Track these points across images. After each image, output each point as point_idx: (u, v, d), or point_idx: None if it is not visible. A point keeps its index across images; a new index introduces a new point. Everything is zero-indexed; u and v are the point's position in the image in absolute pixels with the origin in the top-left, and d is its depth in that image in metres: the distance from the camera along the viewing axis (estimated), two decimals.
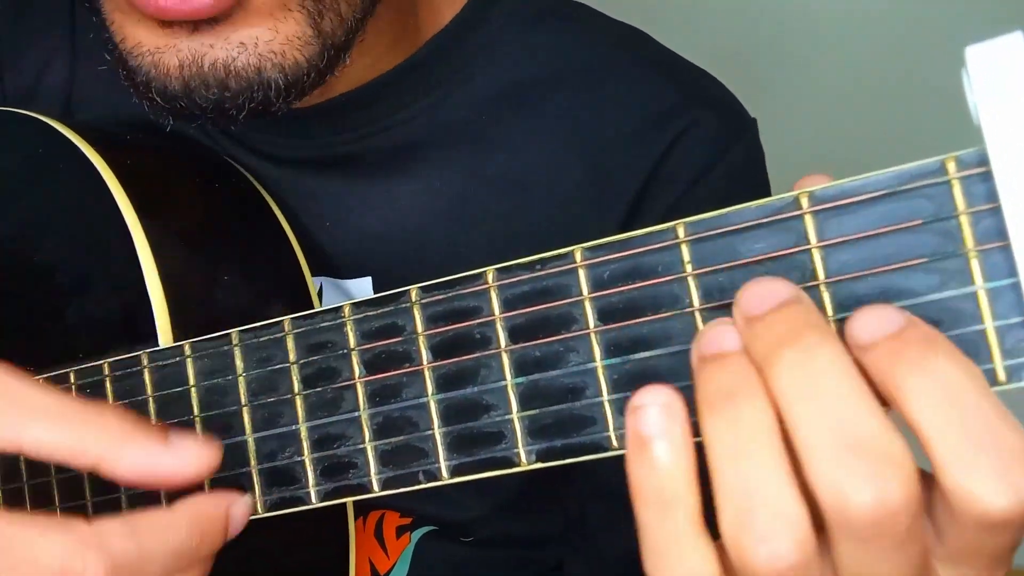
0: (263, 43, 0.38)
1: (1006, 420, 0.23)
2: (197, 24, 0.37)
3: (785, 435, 0.24)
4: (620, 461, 0.28)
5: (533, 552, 0.56)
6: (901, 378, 0.23)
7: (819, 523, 0.24)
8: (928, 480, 0.25)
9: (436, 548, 0.54)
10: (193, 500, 0.32)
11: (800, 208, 0.26)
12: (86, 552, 0.29)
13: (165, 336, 0.39)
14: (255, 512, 0.35)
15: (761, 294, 0.25)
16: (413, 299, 0.31)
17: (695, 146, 0.47)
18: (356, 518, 0.47)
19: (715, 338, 0.25)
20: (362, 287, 0.49)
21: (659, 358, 0.28)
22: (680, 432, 0.25)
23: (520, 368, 0.30)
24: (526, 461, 0.30)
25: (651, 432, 0.25)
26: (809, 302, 0.25)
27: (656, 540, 0.25)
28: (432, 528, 0.55)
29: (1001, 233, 0.24)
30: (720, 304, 0.27)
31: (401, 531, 0.54)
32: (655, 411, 0.25)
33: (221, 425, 0.35)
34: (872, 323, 0.24)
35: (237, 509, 0.33)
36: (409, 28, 0.48)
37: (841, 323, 0.25)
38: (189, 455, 0.31)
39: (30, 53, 0.53)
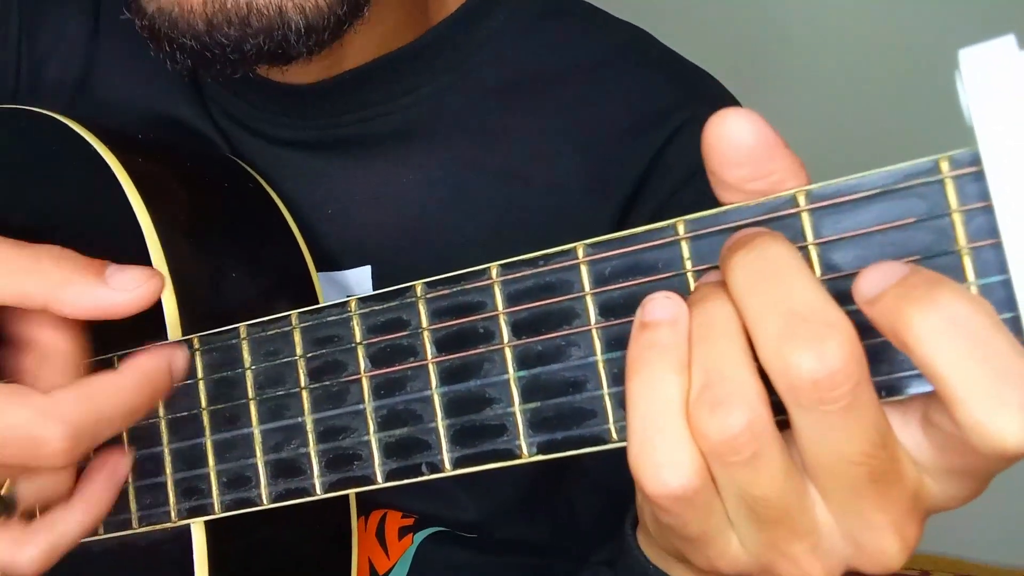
0: None
1: (1022, 353, 0.23)
2: None
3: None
4: (612, 458, 0.29)
5: (535, 559, 0.56)
6: (910, 319, 0.23)
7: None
8: (924, 399, 0.25)
9: (437, 551, 0.54)
10: (137, 361, 0.35)
11: (797, 206, 0.27)
12: (46, 421, 0.31)
13: (174, 330, 0.40)
14: (261, 503, 0.35)
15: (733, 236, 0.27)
16: (418, 294, 0.32)
17: (692, 141, 0.48)
18: (358, 517, 0.48)
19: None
20: (361, 275, 0.50)
21: None
22: (684, 323, 0.26)
23: (522, 362, 0.30)
24: (527, 453, 0.30)
25: (657, 316, 0.26)
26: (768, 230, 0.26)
27: (642, 414, 0.26)
28: (435, 530, 0.55)
29: (992, 231, 0.24)
30: None
31: (404, 532, 0.54)
32: (665, 302, 0.27)
33: (228, 417, 0.36)
34: (875, 277, 0.24)
35: (177, 361, 0.36)
36: (415, 11, 0.48)
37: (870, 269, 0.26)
38: (127, 285, 0.33)
39: (50, 24, 0.54)
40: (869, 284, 0.24)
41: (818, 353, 0.23)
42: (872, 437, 0.25)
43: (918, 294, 0.23)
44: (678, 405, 0.26)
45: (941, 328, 0.23)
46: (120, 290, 0.33)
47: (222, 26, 0.39)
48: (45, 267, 0.33)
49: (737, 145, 0.26)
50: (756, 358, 0.25)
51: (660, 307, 0.26)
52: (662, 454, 0.26)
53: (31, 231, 0.46)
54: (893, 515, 0.26)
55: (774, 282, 0.25)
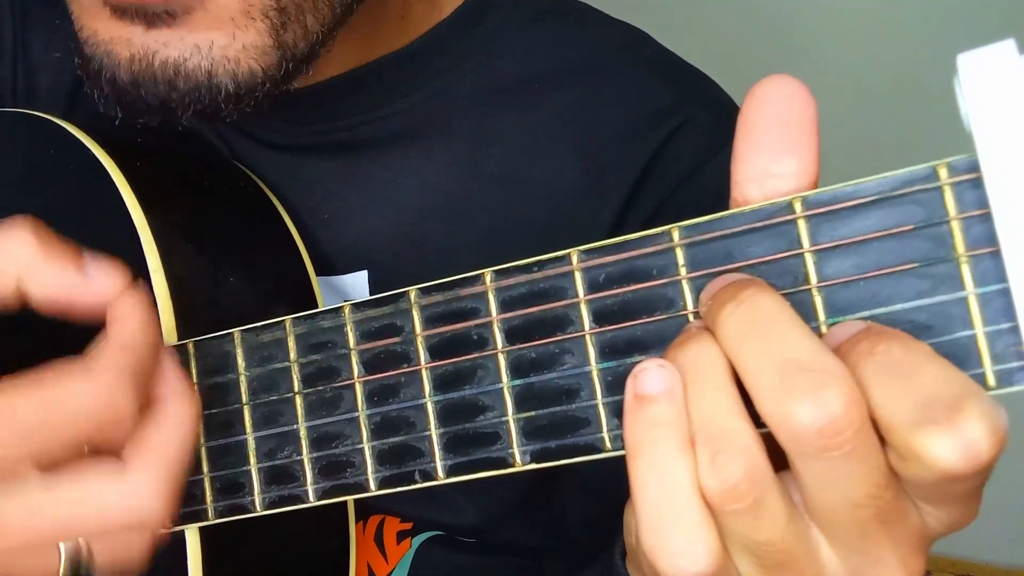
0: (218, 48, 0.38)
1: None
2: (151, 20, 0.37)
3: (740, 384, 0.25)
4: (603, 460, 0.28)
5: (531, 561, 0.56)
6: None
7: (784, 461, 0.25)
8: None
9: (436, 555, 0.54)
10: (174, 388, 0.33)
11: (793, 213, 0.26)
12: (149, 504, 0.30)
13: (170, 336, 0.40)
14: (254, 510, 0.35)
15: (713, 283, 0.27)
16: (412, 300, 0.32)
17: (689, 142, 0.47)
18: (356, 522, 0.47)
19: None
20: (358, 281, 0.49)
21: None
22: (679, 393, 0.26)
23: (516, 370, 0.30)
24: (521, 462, 0.30)
25: (652, 390, 0.26)
26: (753, 277, 0.27)
27: (653, 501, 0.26)
28: (434, 534, 0.55)
29: (991, 239, 0.24)
30: None
31: (402, 536, 0.54)
32: (658, 372, 0.26)
33: (222, 423, 0.36)
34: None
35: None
36: (403, 18, 0.48)
37: (832, 328, 0.26)
38: (103, 279, 0.32)
39: (41, 34, 0.54)
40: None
41: (818, 402, 0.23)
42: (876, 479, 0.24)
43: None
44: (690, 487, 0.25)
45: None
46: (95, 283, 0.32)
47: (147, 84, 0.38)
48: (25, 237, 0.31)
49: (787, 104, 0.26)
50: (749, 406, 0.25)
51: (654, 379, 0.26)
52: (679, 542, 0.25)
53: None
54: (899, 552, 0.26)
55: (767, 334, 0.25)
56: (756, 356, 0.24)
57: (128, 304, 0.32)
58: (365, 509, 0.54)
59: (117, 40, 0.38)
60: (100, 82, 0.39)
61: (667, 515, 0.25)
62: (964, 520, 0.26)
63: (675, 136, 0.47)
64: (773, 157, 0.26)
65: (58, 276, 0.31)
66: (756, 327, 0.25)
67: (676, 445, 0.25)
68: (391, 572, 0.54)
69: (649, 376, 0.26)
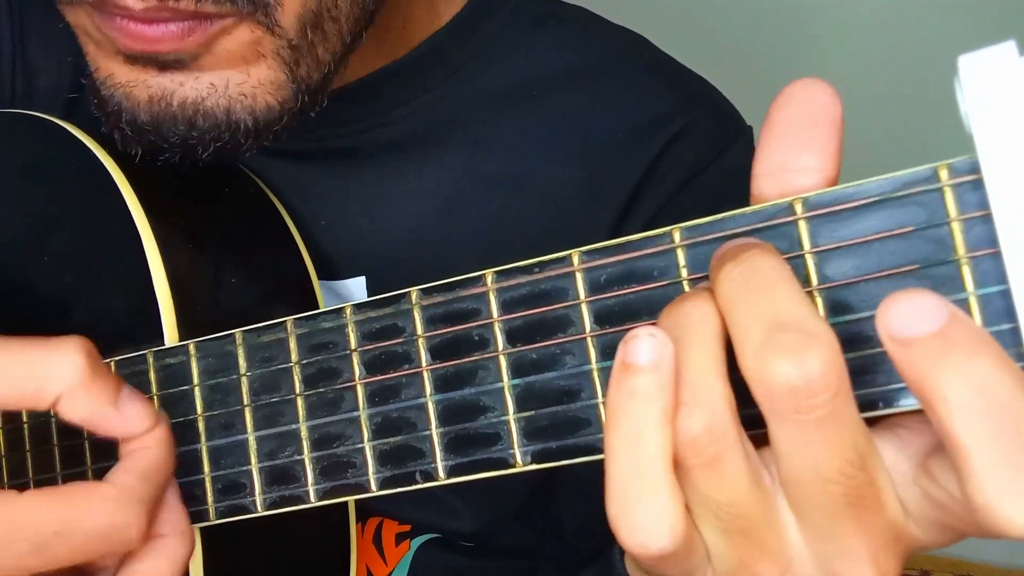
0: (234, 85, 0.38)
1: None
2: (163, 66, 0.38)
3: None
4: (600, 462, 0.28)
5: (529, 563, 0.56)
6: (944, 382, 0.22)
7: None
8: (924, 448, 0.25)
9: (435, 556, 0.54)
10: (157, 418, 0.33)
11: (794, 214, 0.26)
12: (124, 512, 0.31)
13: (171, 337, 0.40)
14: (255, 511, 0.35)
15: (723, 245, 0.27)
16: (413, 301, 0.32)
17: (689, 147, 0.47)
18: (355, 524, 0.48)
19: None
20: (357, 286, 0.50)
21: None
22: (667, 368, 0.25)
23: (517, 370, 0.30)
24: (521, 462, 0.30)
25: (640, 360, 0.25)
26: (759, 242, 0.26)
27: (622, 471, 0.25)
28: (432, 536, 0.55)
29: (992, 240, 0.24)
30: None
31: (401, 538, 0.54)
32: (648, 342, 0.25)
33: (223, 423, 0.36)
34: (909, 315, 0.23)
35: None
36: (404, 27, 0.48)
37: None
38: (132, 419, 0.32)
39: (40, 38, 0.53)
40: (901, 322, 0.23)
41: (797, 360, 0.23)
42: (849, 455, 0.24)
43: (957, 357, 0.22)
44: (661, 463, 0.25)
45: (975, 401, 0.22)
46: (124, 419, 0.32)
47: (168, 124, 0.38)
48: (74, 361, 0.31)
49: (811, 103, 0.26)
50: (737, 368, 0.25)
51: (643, 348, 0.25)
52: (642, 517, 0.25)
53: (29, 235, 0.46)
54: (870, 544, 0.25)
55: (760, 293, 0.24)
56: (746, 312, 0.24)
57: (155, 438, 0.33)
58: (364, 511, 0.54)
59: (135, 82, 0.38)
60: (120, 122, 0.39)
61: (633, 488, 0.25)
62: (951, 543, 0.26)
63: (675, 142, 0.47)
64: (791, 152, 0.26)
65: (94, 405, 0.32)
66: (750, 285, 0.25)
67: (654, 418, 0.25)
68: (390, 574, 0.54)
69: (639, 345, 0.25)
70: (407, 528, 0.54)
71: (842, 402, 0.24)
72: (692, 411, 0.25)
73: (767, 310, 0.24)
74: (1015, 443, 0.22)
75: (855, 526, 0.25)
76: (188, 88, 0.38)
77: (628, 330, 0.28)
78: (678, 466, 0.25)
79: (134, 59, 0.38)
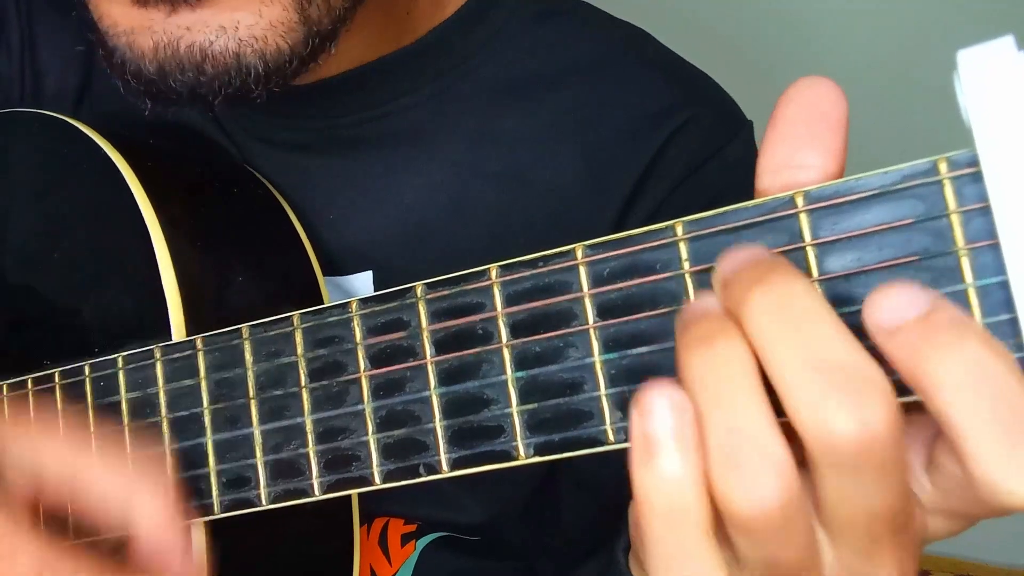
0: (244, 27, 0.37)
1: None
2: (175, 5, 0.37)
3: (765, 378, 0.24)
4: (601, 456, 0.29)
5: (535, 563, 0.56)
6: (933, 365, 0.22)
7: (800, 459, 0.24)
8: (929, 441, 0.25)
9: (440, 557, 0.54)
10: None
11: (795, 207, 0.27)
12: None
13: (179, 333, 0.40)
14: (260, 504, 0.35)
15: (733, 256, 0.25)
16: (418, 295, 0.32)
17: (690, 141, 0.48)
18: (360, 525, 0.48)
19: (696, 303, 0.26)
20: (363, 281, 0.50)
21: (656, 354, 0.28)
22: (691, 436, 0.24)
23: (520, 363, 0.30)
24: (524, 455, 0.30)
25: (661, 435, 0.24)
26: (779, 257, 0.25)
27: (664, 551, 0.25)
28: (438, 536, 0.55)
29: (990, 232, 0.24)
30: None
31: (406, 539, 0.54)
32: (665, 411, 0.24)
33: (229, 417, 0.36)
34: (895, 305, 0.23)
35: None
36: (408, 14, 0.48)
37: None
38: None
39: (47, 37, 0.54)
40: (887, 311, 0.23)
41: (860, 415, 0.22)
42: (898, 491, 0.24)
43: (945, 338, 0.22)
44: (700, 533, 0.24)
45: (965, 380, 0.22)
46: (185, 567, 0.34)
47: (175, 72, 0.37)
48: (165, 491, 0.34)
49: (816, 100, 0.26)
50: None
51: (663, 420, 0.24)
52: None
53: (40, 232, 0.46)
54: (900, 557, 0.25)
55: (803, 330, 0.23)
56: (792, 355, 0.23)
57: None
58: (370, 512, 0.54)
59: (138, 29, 0.37)
60: (125, 74, 0.38)
61: (676, 563, 0.24)
62: (959, 532, 0.26)
63: (677, 136, 0.48)
64: (795, 148, 0.26)
65: (158, 552, 0.33)
66: (789, 320, 0.23)
67: (692, 500, 0.24)
68: (395, 574, 0.54)
69: (657, 415, 0.24)
70: (412, 528, 0.54)
71: (901, 450, 0.23)
72: (765, 485, 0.23)
73: (814, 350, 0.23)
74: (1010, 418, 0.22)
75: (893, 548, 0.25)
76: (196, 33, 0.37)
77: (631, 322, 0.28)
78: (731, 535, 0.24)
79: (144, 2, 0.37)
